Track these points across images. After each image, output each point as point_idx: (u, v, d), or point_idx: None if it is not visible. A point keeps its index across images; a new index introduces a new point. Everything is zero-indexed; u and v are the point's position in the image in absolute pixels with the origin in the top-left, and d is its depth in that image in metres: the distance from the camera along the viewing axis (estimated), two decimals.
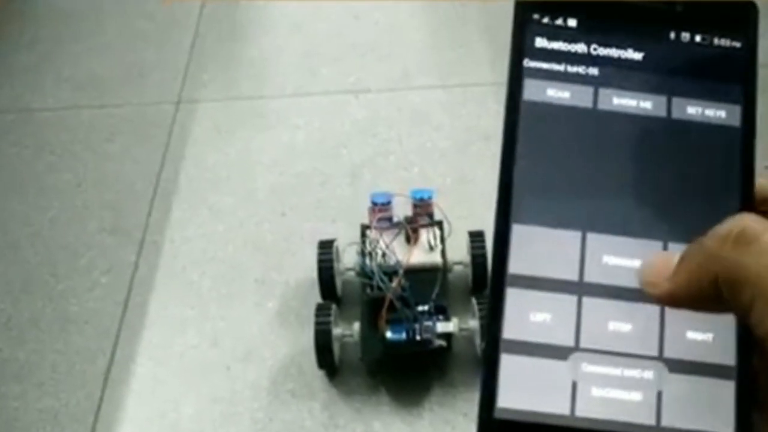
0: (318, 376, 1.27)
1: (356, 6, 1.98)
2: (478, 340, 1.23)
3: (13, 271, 1.47)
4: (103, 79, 1.85)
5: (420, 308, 1.20)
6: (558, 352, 0.29)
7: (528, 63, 0.32)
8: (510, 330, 0.29)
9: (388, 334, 1.18)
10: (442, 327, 1.19)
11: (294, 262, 1.43)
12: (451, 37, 1.89)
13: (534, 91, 0.32)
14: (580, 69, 0.32)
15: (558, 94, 0.32)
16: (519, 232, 0.30)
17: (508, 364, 0.29)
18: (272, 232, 1.50)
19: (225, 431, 1.22)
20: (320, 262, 1.33)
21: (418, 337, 1.18)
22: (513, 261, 0.30)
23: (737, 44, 0.32)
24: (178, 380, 1.29)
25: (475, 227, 1.33)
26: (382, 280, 1.21)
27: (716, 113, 0.31)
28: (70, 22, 2.01)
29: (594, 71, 0.32)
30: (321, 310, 1.25)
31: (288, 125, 1.71)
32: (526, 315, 0.29)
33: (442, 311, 1.22)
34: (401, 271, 1.22)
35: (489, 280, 0.30)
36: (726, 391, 0.29)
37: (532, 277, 0.30)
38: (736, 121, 0.31)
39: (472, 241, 1.32)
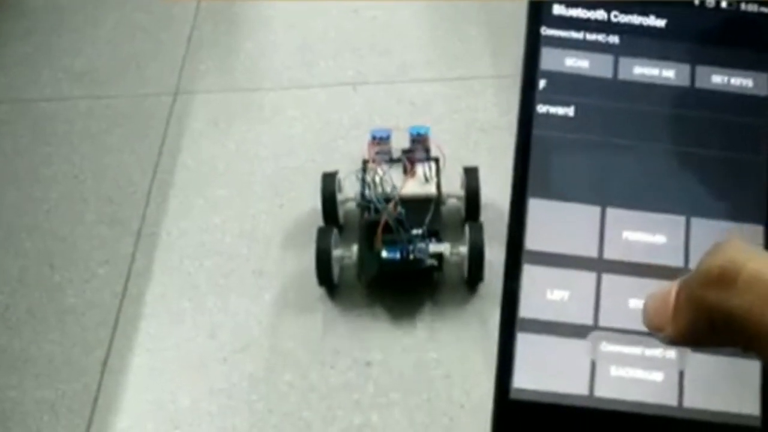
0: (316, 370, 1.27)
1: (354, 0, 1.97)
2: (466, 265, 1.32)
3: (10, 262, 1.46)
4: (100, 71, 1.84)
5: (414, 232, 1.29)
6: (576, 331, 0.28)
7: (545, 31, 0.31)
8: (527, 308, 0.28)
9: (384, 254, 1.28)
10: (434, 247, 1.29)
11: (291, 254, 1.43)
12: (451, 31, 1.88)
13: (552, 60, 0.30)
14: (600, 37, 0.31)
15: (577, 63, 0.30)
16: (536, 207, 0.29)
17: (525, 343, 0.28)
18: (270, 224, 1.49)
19: (223, 422, 1.22)
20: (323, 190, 1.42)
21: (411, 257, 1.27)
22: (530, 237, 0.29)
23: (765, 9, 0.30)
24: (176, 372, 1.29)
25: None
26: (379, 202, 1.30)
27: (742, 82, 0.30)
28: (66, 13, 2.00)
29: (614, 39, 0.31)
30: (322, 232, 1.34)
31: (285, 117, 1.70)
32: (544, 293, 0.29)
33: (434, 235, 1.31)
34: (397, 196, 1.31)
35: (504, 256, 0.29)
36: (751, 370, 0.28)
37: (550, 253, 0.29)
38: (763, 89, 0.30)
39: (466, 175, 1.41)
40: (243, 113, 1.72)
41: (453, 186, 1.42)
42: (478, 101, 1.69)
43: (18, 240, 1.50)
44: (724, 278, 0.24)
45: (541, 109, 0.30)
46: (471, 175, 1.40)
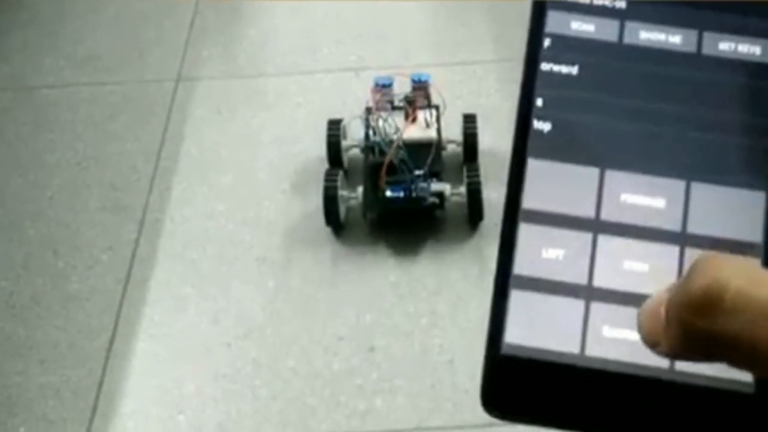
0: (319, 356, 1.27)
1: None
2: (467, 205, 1.40)
3: (13, 248, 1.46)
4: (103, 58, 1.84)
5: (416, 172, 1.36)
6: (570, 290, 0.28)
7: None
8: (521, 265, 0.28)
9: (388, 193, 1.36)
10: (435, 186, 1.38)
11: (295, 240, 1.43)
12: (453, 17, 1.88)
13: (557, 23, 0.30)
14: (607, 1, 0.30)
15: (582, 27, 0.30)
16: (535, 167, 0.29)
17: (518, 299, 0.28)
18: (273, 210, 1.49)
19: (227, 408, 1.23)
20: (329, 136, 1.50)
21: (414, 195, 1.35)
22: (527, 196, 0.29)
23: None
24: (180, 357, 1.29)
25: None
26: (383, 142, 1.37)
27: (750, 49, 0.30)
28: (68, 0, 2.00)
29: (621, 3, 0.30)
30: (329, 174, 1.40)
31: (288, 103, 1.70)
32: (539, 251, 0.28)
33: (435, 175, 1.38)
34: (400, 136, 1.38)
35: (502, 214, 0.29)
36: None
37: (547, 213, 0.29)
38: None
39: (465, 121, 1.49)
40: (246, 99, 1.72)
41: (453, 133, 1.49)
42: (480, 86, 1.68)
43: (22, 227, 1.50)
44: (709, 302, 0.23)
45: (545, 67, 0.30)
46: (469, 121, 1.50)
